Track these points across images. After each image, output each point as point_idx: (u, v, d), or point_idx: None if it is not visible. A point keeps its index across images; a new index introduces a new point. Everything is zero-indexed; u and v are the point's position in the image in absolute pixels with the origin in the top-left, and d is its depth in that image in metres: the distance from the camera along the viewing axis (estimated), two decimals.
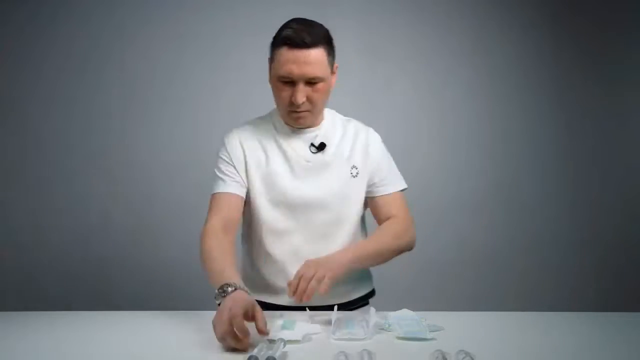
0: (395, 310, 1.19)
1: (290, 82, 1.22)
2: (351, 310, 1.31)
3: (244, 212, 1.35)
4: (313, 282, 1.10)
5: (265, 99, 2.45)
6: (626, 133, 2.57)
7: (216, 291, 1.07)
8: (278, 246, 1.31)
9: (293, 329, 1.04)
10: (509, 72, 2.55)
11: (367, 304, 1.42)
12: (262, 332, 0.97)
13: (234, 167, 1.33)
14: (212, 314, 1.17)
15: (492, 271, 2.53)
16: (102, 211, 2.45)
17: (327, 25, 1.28)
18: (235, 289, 1.04)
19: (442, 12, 2.52)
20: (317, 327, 1.06)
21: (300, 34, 1.18)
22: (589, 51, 2.54)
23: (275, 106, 1.36)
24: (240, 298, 1.01)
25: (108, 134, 2.45)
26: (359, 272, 1.38)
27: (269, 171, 1.31)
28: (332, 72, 1.28)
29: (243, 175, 1.33)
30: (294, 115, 1.27)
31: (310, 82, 1.21)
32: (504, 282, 2.52)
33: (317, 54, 1.20)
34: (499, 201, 2.55)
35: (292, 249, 1.30)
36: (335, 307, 1.15)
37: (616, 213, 2.56)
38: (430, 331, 1.03)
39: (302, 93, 1.21)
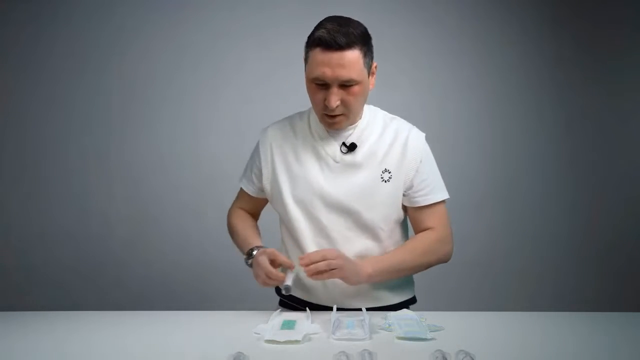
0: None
1: (324, 84, 1.17)
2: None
3: (273, 207, 1.40)
4: (323, 265, 1.14)
5: (266, 99, 2.46)
6: (626, 133, 2.57)
7: (244, 256, 1.30)
8: (306, 244, 1.29)
9: (293, 329, 1.04)
10: (509, 72, 2.55)
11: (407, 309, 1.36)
12: (288, 264, 1.22)
13: (260, 167, 1.36)
14: (212, 314, 1.18)
15: (492, 271, 2.54)
16: (102, 211, 2.45)
17: None
18: (258, 249, 1.26)
19: (442, 11, 2.52)
20: (317, 327, 1.06)
21: (334, 34, 1.12)
22: (589, 51, 2.54)
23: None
24: (263, 254, 1.21)
25: (108, 134, 2.45)
26: (401, 278, 1.33)
27: (296, 171, 1.29)
28: (371, 73, 1.22)
29: (267, 175, 1.34)
30: (327, 120, 1.22)
31: (345, 85, 1.16)
32: (504, 282, 2.52)
33: (351, 56, 1.14)
34: (499, 201, 2.55)
35: (315, 248, 1.27)
36: (335, 307, 1.15)
37: (616, 213, 2.56)
38: (430, 331, 1.03)
39: (335, 97, 1.16)
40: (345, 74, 1.14)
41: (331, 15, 1.23)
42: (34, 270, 2.43)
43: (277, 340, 0.98)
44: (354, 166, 1.26)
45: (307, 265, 1.14)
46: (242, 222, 1.42)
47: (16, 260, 2.43)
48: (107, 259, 2.44)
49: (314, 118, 1.31)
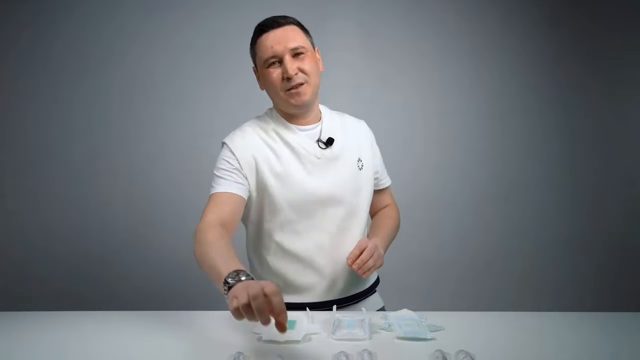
0: (395, 310, 1.19)
1: (277, 62, 1.25)
2: (359, 301, 1.35)
3: (250, 216, 1.31)
4: (371, 261, 1.19)
5: (266, 99, 2.47)
6: (627, 133, 2.57)
7: (229, 280, 0.94)
8: (300, 244, 1.29)
9: (293, 329, 1.04)
10: (509, 72, 2.55)
11: (374, 292, 1.43)
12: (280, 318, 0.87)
13: (238, 169, 1.26)
14: (212, 314, 1.17)
15: (492, 271, 2.54)
16: (102, 211, 2.45)
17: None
18: (248, 277, 0.93)
19: (442, 11, 2.52)
20: (317, 327, 1.06)
21: (271, 18, 1.27)
22: (589, 50, 2.54)
23: (269, 107, 1.38)
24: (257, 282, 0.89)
25: (108, 133, 2.45)
26: None
27: (282, 170, 1.28)
28: (315, 49, 1.32)
29: (251, 176, 1.27)
30: (292, 92, 1.25)
31: (296, 54, 1.25)
32: (504, 282, 2.52)
33: (291, 29, 1.26)
34: (499, 201, 2.55)
35: (314, 244, 1.30)
36: (334, 307, 1.15)
37: (617, 213, 2.56)
38: (430, 331, 1.03)
39: (291, 64, 1.23)
40: (291, 42, 1.24)
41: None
42: (34, 270, 2.43)
43: (277, 340, 0.98)
44: (335, 159, 1.33)
45: (356, 263, 1.17)
46: (223, 240, 1.11)
47: (16, 260, 2.43)
48: (107, 258, 2.44)
49: (278, 118, 1.34)
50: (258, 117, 1.39)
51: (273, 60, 1.24)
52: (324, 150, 1.31)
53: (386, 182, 1.51)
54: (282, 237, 1.30)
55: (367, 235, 1.40)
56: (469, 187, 2.53)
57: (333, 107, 1.44)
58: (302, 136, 1.31)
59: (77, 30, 2.44)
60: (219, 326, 1.12)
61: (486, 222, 2.53)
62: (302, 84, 1.25)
